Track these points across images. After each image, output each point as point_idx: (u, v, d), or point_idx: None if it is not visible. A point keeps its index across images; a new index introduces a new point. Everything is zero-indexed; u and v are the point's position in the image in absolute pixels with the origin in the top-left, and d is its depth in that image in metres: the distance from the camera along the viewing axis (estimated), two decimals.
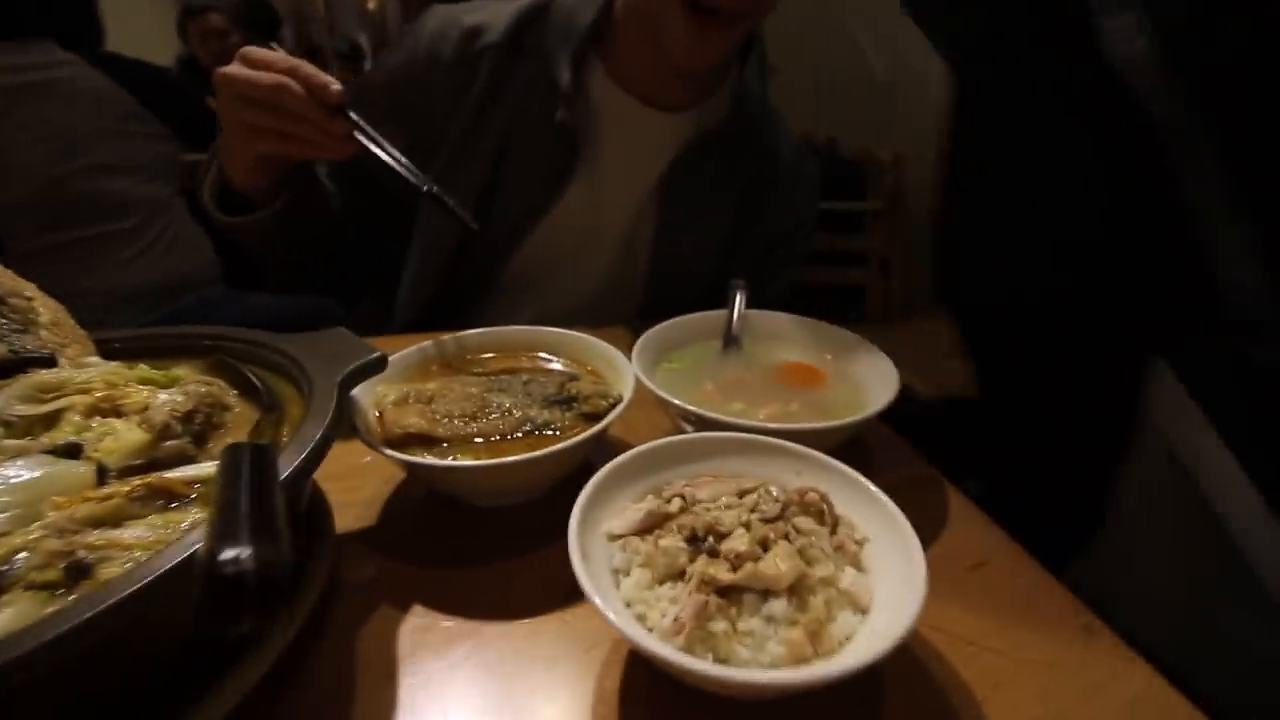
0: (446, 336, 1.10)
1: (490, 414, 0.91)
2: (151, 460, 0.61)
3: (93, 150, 2.51)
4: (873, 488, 0.72)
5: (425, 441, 0.86)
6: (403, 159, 1.08)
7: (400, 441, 0.86)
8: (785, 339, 1.15)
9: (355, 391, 0.92)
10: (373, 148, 1.08)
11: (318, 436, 0.63)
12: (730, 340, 1.13)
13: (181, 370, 0.80)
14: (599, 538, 0.65)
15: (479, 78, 1.30)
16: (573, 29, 1.29)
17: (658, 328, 1.09)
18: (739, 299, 1.16)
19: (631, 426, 1.10)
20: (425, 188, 1.07)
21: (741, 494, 0.72)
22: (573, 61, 1.27)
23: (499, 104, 1.30)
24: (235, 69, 0.99)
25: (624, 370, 0.91)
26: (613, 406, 0.91)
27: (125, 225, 2.50)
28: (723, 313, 1.13)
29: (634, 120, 1.35)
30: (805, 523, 0.69)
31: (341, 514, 0.78)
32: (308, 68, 1.00)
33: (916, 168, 3.72)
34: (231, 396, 0.74)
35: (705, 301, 1.15)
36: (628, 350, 0.96)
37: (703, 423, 0.89)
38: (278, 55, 1.00)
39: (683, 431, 1.02)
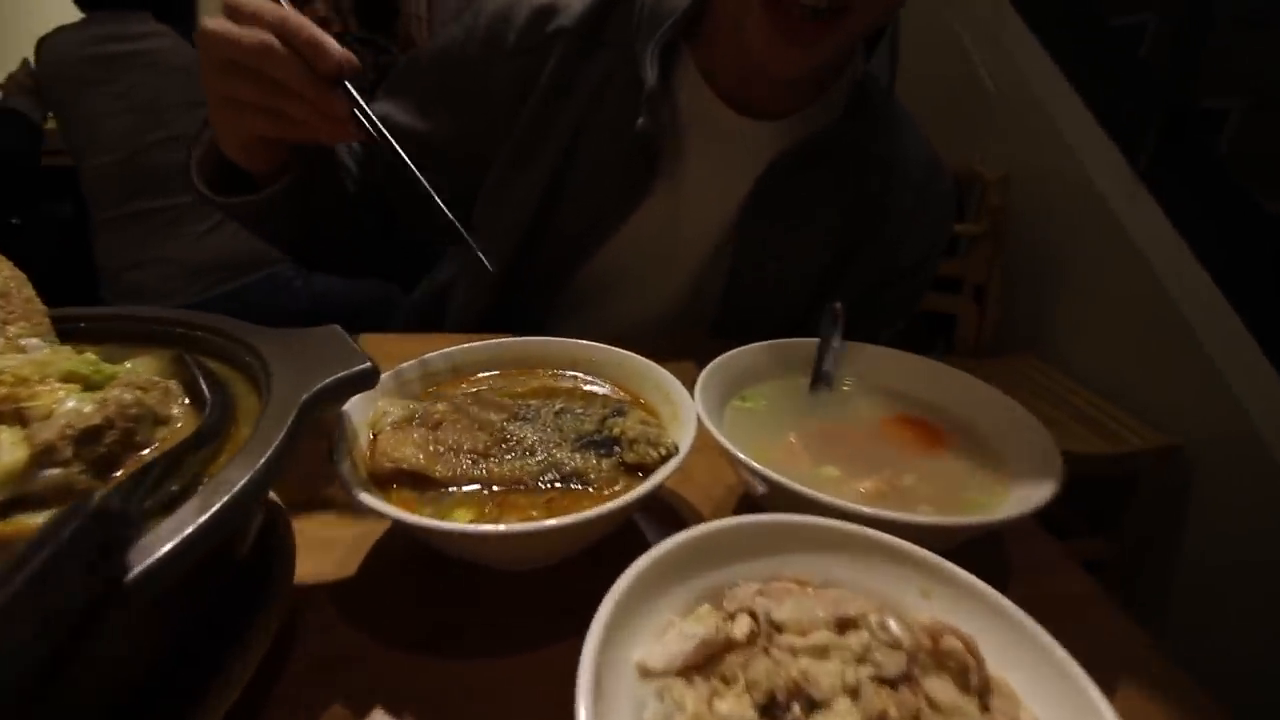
0: (473, 344, 0.90)
1: (507, 452, 0.71)
2: (19, 496, 0.43)
3: (176, 121, 2.54)
4: (1045, 637, 0.47)
5: (419, 483, 0.66)
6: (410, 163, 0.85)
7: (388, 478, 0.66)
8: (891, 381, 0.90)
9: (350, 406, 0.74)
10: (398, 146, 0.87)
11: (239, 485, 0.44)
12: (821, 377, 0.89)
13: (140, 363, 0.63)
14: (625, 667, 0.42)
15: (547, 66, 1.11)
16: (662, 16, 1.09)
17: (731, 354, 0.86)
18: (835, 326, 0.91)
19: (688, 475, 0.87)
20: (445, 214, 0.85)
21: (841, 626, 0.48)
22: (661, 56, 1.07)
23: (570, 98, 1.12)
24: (216, 24, 0.77)
25: (683, 408, 0.73)
26: (665, 459, 0.68)
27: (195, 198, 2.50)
28: (812, 342, 0.90)
29: (726, 128, 1.15)
30: (942, 689, 0.45)
31: (312, 558, 0.59)
32: (298, 21, 0.76)
33: (1022, 187, 3.31)
34: (179, 406, 0.56)
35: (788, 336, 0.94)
36: (691, 381, 0.73)
37: (783, 495, 0.65)
38: (268, 5, 0.77)
39: (753, 493, 0.79)
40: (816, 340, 0.90)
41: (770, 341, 0.90)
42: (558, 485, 0.69)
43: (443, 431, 0.73)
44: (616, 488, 0.69)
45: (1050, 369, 2.97)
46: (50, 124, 2.81)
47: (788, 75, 0.99)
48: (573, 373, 0.84)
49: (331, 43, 0.79)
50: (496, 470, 0.69)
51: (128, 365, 0.66)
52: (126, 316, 0.75)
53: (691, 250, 1.24)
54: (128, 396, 0.56)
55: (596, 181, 1.15)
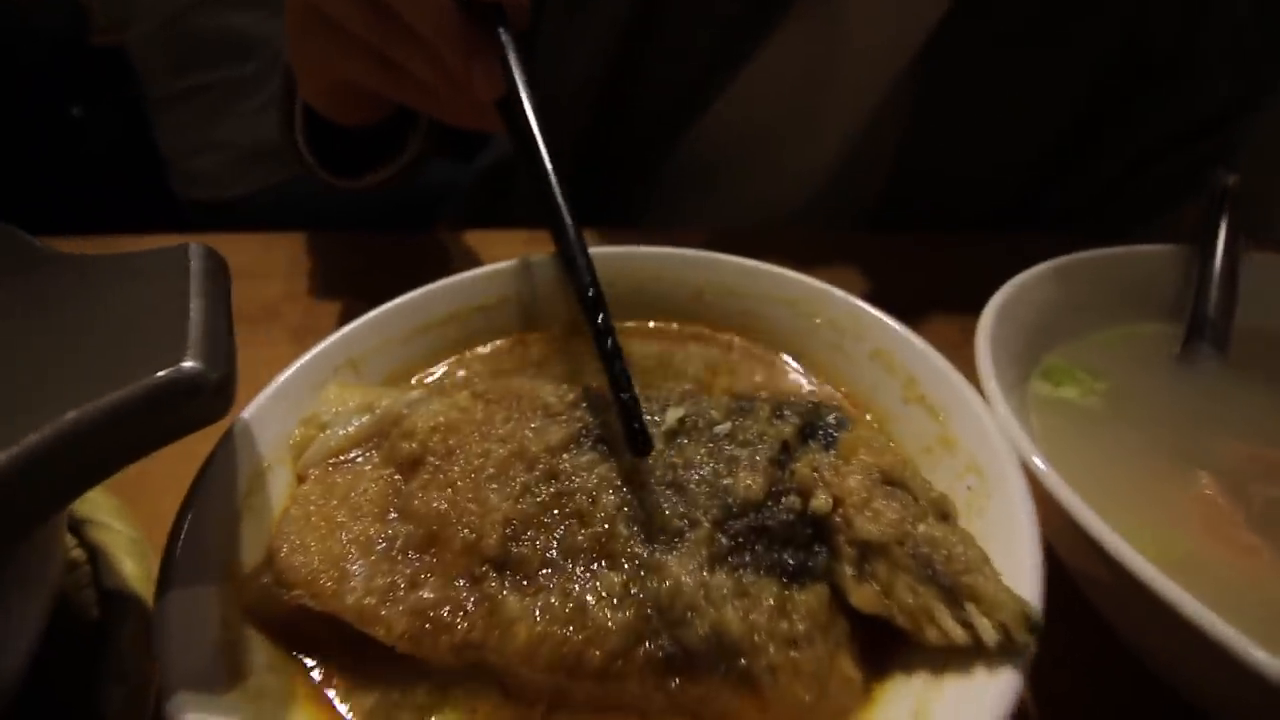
0: (499, 267, 0.48)
1: (559, 554, 0.29)
2: None
3: None
4: None
5: (352, 647, 0.26)
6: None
7: (292, 625, 0.27)
8: None
9: (260, 411, 0.35)
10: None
11: None
12: (1203, 327, 0.49)
13: None
14: None
15: None
16: None
17: (1018, 285, 0.48)
18: (1221, 224, 0.53)
19: None
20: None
21: None
22: None
23: None
24: None
25: (963, 407, 0.37)
26: (974, 637, 0.24)
27: (247, 71, 2.27)
28: (1162, 251, 0.54)
29: None
30: None
31: None
32: None
33: None
34: None
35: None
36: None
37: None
38: None
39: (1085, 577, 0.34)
40: (1173, 247, 0.54)
41: (1082, 256, 0.52)
42: (675, 680, 0.27)
43: (426, 485, 0.33)
44: (830, 693, 0.27)
45: None
46: None
47: None
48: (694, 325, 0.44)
49: None
50: (524, 629, 0.28)
51: None
52: None
53: (846, 103, 0.90)
54: None
55: (704, 4, 0.83)
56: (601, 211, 0.91)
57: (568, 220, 0.45)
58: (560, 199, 0.45)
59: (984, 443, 0.34)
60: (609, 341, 0.38)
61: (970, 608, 0.27)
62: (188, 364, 0.25)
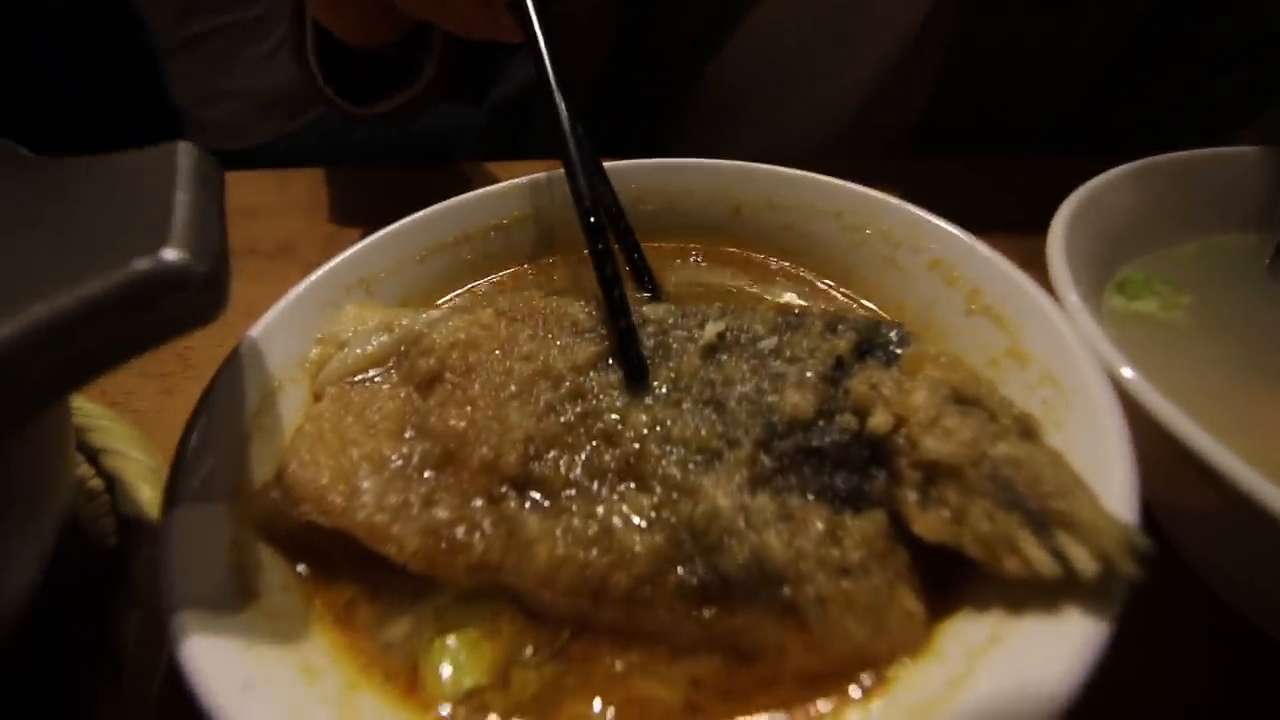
0: (535, 178, 0.45)
1: (580, 474, 0.27)
2: None
3: None
4: None
5: (361, 565, 0.24)
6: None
7: (300, 539, 0.25)
8: None
9: (269, 329, 0.33)
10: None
11: None
12: None
13: None
14: None
15: None
16: None
17: (1092, 190, 0.43)
18: None
19: None
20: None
21: None
22: None
23: None
24: None
25: (1036, 316, 0.33)
26: (1064, 568, 0.21)
27: (252, 13, 2.22)
28: (1245, 154, 0.48)
29: None
30: None
31: None
32: None
33: None
34: None
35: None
36: None
37: None
38: None
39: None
40: (1261, 150, 0.48)
41: (1161, 159, 0.47)
42: (709, 609, 0.25)
43: (444, 402, 0.30)
44: (888, 627, 0.24)
45: None
46: None
47: None
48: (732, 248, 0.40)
49: None
50: (544, 550, 0.25)
51: None
52: None
53: (882, 22, 0.84)
54: None
55: None
56: (628, 144, 0.86)
57: (567, 128, 0.40)
58: (562, 106, 0.41)
59: (1061, 353, 0.30)
60: (608, 267, 0.35)
61: (1061, 535, 0.23)
62: (169, 254, 0.23)
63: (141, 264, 0.22)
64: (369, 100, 0.78)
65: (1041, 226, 0.40)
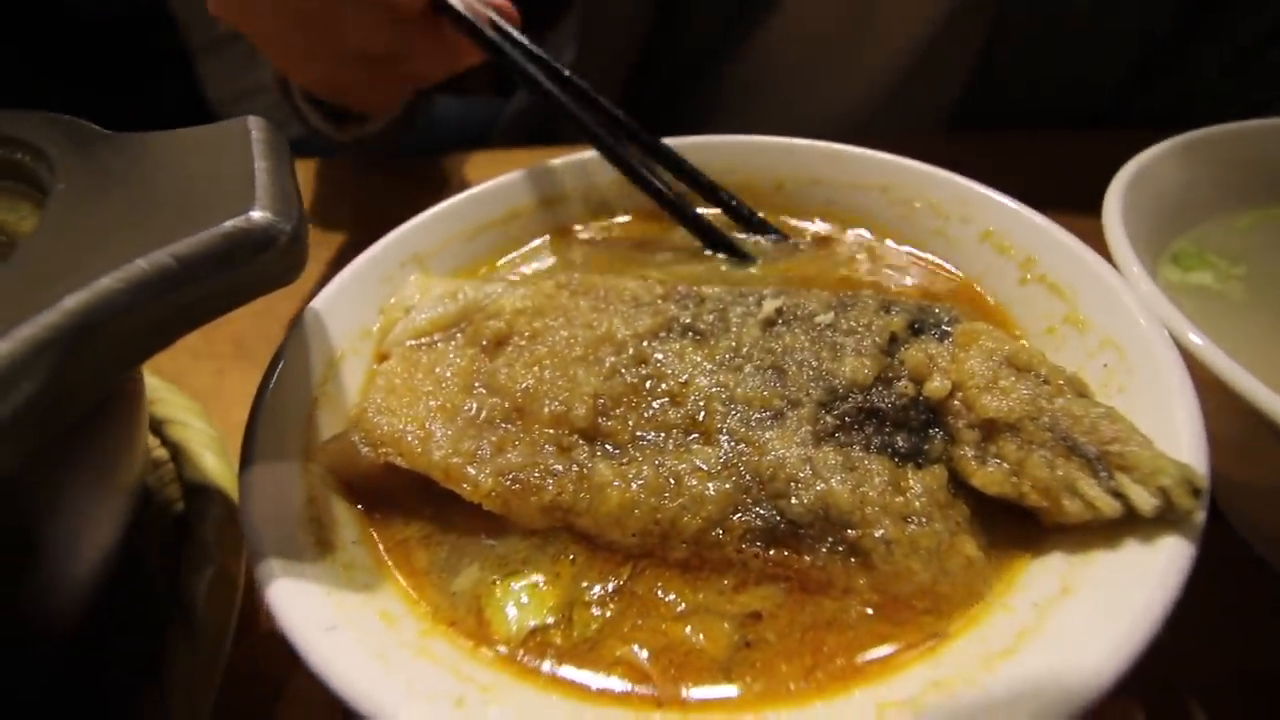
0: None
1: (648, 428, 0.28)
2: None
3: None
4: None
5: (434, 506, 0.25)
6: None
7: (372, 485, 0.27)
8: None
9: (334, 298, 0.34)
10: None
11: None
12: None
13: None
14: None
15: None
16: None
17: (1144, 162, 0.43)
18: None
19: None
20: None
21: None
22: None
23: None
24: None
25: (1094, 282, 0.33)
26: (1126, 506, 0.22)
27: None
28: None
29: None
30: None
31: None
32: None
33: None
34: None
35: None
36: None
37: None
38: None
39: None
40: None
41: (1213, 131, 0.46)
42: (774, 553, 0.25)
43: (512, 362, 0.31)
44: (950, 571, 0.24)
45: None
46: None
47: None
48: (795, 219, 0.42)
49: None
50: (615, 494, 0.26)
51: None
52: None
53: (906, 3, 0.82)
54: None
55: None
56: (661, 126, 0.87)
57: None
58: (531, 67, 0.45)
59: (1121, 317, 0.30)
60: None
61: (1120, 476, 0.24)
62: (257, 214, 0.24)
63: (232, 224, 0.23)
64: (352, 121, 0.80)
65: (1086, 202, 0.40)
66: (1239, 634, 0.34)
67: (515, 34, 0.50)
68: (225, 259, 0.23)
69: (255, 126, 0.30)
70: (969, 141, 0.75)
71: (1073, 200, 0.41)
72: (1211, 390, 0.28)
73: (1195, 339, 0.29)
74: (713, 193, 0.45)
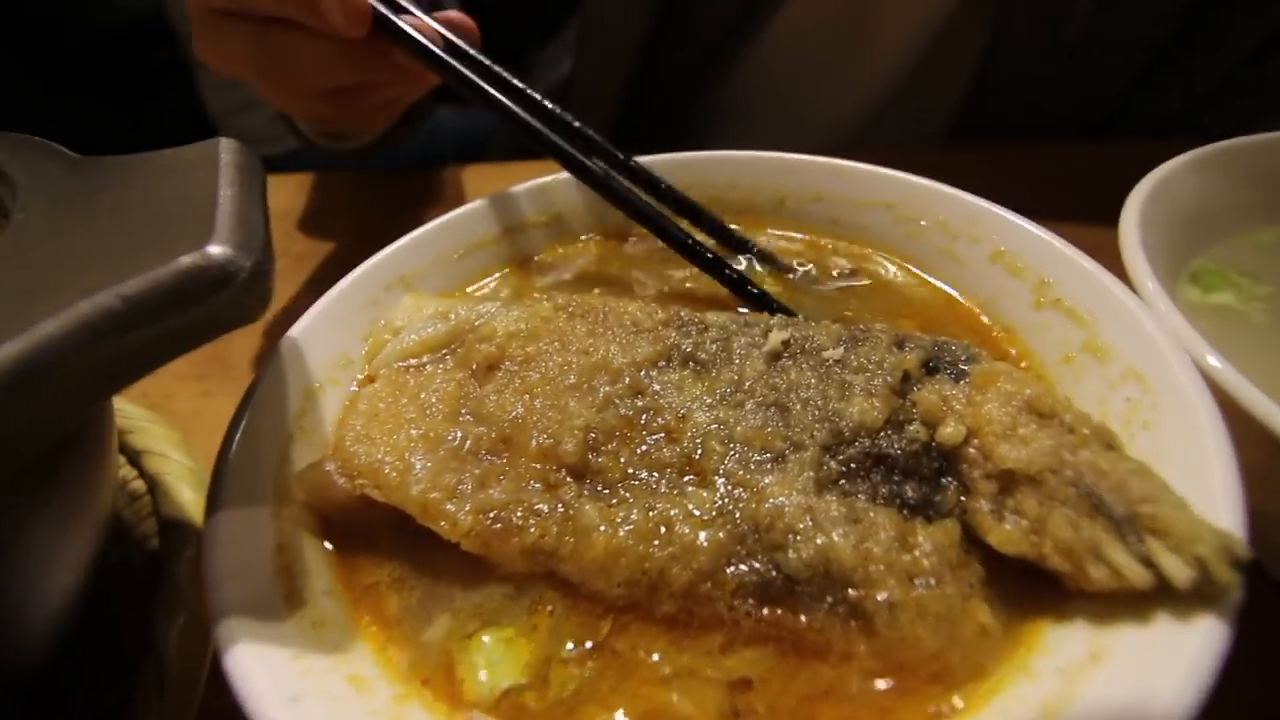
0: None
1: (640, 467, 0.26)
2: None
3: None
4: None
5: (404, 545, 0.24)
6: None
7: (346, 516, 0.25)
8: None
9: (305, 330, 0.32)
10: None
11: None
12: None
13: None
14: None
15: None
16: None
17: (1162, 178, 0.40)
18: None
19: None
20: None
21: None
22: None
23: None
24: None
25: (1114, 307, 0.31)
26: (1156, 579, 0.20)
27: None
28: None
29: None
30: None
31: None
32: None
33: None
34: None
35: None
36: None
37: None
38: None
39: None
40: None
41: (1232, 144, 0.44)
42: (772, 608, 0.24)
43: (502, 389, 0.29)
44: (961, 640, 0.23)
45: None
46: None
47: None
48: (795, 232, 0.42)
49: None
50: (602, 539, 0.24)
51: None
52: None
53: (901, 12, 0.81)
54: None
55: None
56: (659, 140, 0.86)
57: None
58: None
59: (1145, 347, 0.28)
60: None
61: (1151, 542, 0.22)
62: (215, 249, 0.22)
63: (188, 260, 0.21)
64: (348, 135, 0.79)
65: (1092, 214, 0.38)
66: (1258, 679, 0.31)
67: (472, 51, 0.48)
68: (178, 299, 0.21)
69: (226, 150, 0.28)
70: (968, 151, 0.74)
71: (1078, 213, 0.39)
72: (1234, 418, 0.26)
73: (1213, 362, 0.27)
74: (697, 216, 0.44)
